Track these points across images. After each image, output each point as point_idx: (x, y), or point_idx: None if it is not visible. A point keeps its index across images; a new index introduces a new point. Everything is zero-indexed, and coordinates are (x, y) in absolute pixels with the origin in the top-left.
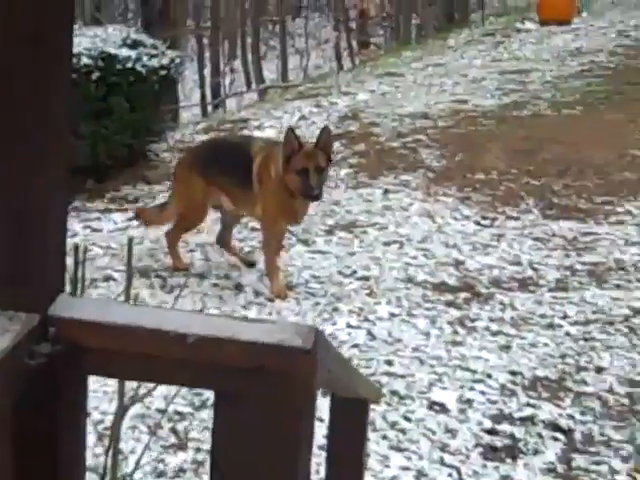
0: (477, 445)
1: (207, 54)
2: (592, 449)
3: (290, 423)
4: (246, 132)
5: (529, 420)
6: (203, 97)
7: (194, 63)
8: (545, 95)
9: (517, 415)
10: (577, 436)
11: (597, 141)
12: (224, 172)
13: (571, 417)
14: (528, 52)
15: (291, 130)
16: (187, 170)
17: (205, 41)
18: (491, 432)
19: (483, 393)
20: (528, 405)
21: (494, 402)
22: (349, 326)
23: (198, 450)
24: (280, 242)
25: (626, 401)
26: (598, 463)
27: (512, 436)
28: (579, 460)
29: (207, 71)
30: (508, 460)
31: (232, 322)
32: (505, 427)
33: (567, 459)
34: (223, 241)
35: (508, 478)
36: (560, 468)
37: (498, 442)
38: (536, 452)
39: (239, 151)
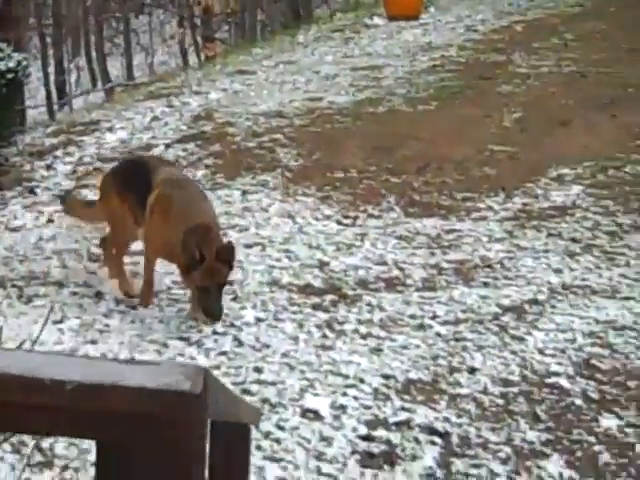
0: (354, 452)
1: (51, 52)
2: (470, 452)
3: (180, 470)
4: (102, 137)
5: (405, 424)
6: (49, 96)
7: (37, 61)
8: (399, 91)
9: (392, 420)
10: (454, 439)
11: (455, 136)
12: (132, 191)
13: (447, 420)
14: (379, 48)
15: (190, 235)
16: (105, 187)
17: (48, 39)
18: (367, 438)
19: (356, 398)
20: (403, 409)
21: (368, 407)
22: (215, 333)
23: (65, 468)
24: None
25: (501, 401)
26: (477, 466)
27: (389, 442)
28: (458, 464)
29: (51, 69)
30: (386, 467)
31: (115, 366)
32: (381, 433)
33: (446, 463)
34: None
35: None
36: (439, 473)
37: (375, 448)
38: (414, 457)
39: (145, 176)
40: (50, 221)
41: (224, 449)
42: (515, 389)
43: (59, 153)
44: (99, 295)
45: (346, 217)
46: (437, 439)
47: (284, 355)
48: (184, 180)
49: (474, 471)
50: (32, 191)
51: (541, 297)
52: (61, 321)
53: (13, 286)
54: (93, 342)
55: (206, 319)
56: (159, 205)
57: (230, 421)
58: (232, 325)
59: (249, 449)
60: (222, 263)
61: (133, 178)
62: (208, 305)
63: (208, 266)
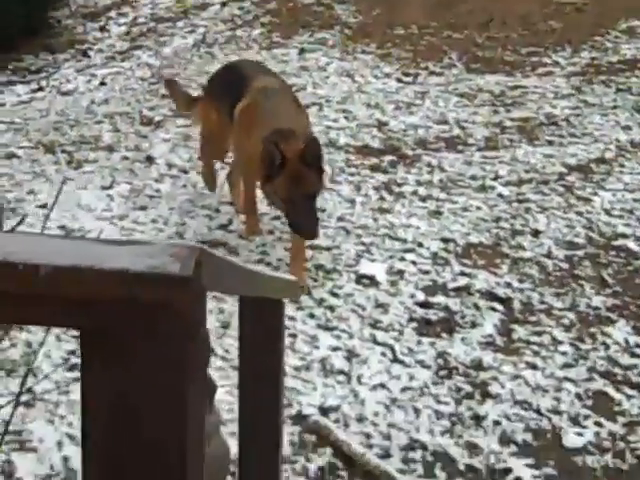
0: (410, 320)
1: None
2: (532, 318)
3: (173, 362)
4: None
5: (464, 290)
6: None
7: None
8: None
9: (451, 285)
10: (516, 305)
11: None
12: (224, 99)
13: (509, 285)
14: None
15: (269, 138)
16: (204, 96)
17: None
18: (425, 305)
19: (414, 263)
20: (463, 274)
21: (426, 272)
22: None
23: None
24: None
25: (565, 265)
26: (539, 333)
27: (447, 308)
28: (519, 331)
29: None
30: (444, 335)
31: (98, 246)
32: (439, 299)
33: (507, 330)
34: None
35: (445, 354)
36: (499, 341)
37: (433, 316)
38: (473, 324)
39: (239, 83)
40: (103, 84)
41: (253, 325)
42: (580, 252)
43: (113, 14)
44: (150, 159)
45: (406, 75)
46: (498, 305)
47: (340, 219)
48: (277, 90)
49: (536, 338)
50: (85, 54)
51: (609, 155)
52: (110, 187)
53: (63, 151)
54: (143, 208)
55: (299, 235)
56: (243, 115)
57: (258, 297)
58: None
59: (281, 325)
60: (309, 167)
61: (226, 85)
62: (297, 220)
63: (292, 171)
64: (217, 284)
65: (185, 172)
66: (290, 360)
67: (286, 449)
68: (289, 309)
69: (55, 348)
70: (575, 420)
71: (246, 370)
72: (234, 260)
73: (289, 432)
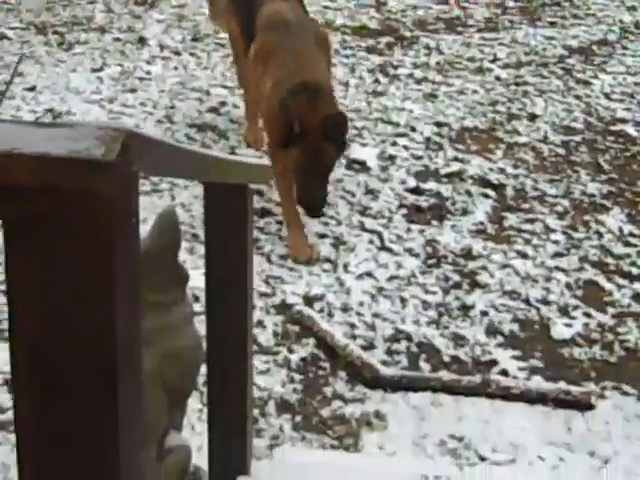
0: (400, 206)
1: None
2: (525, 206)
3: (100, 251)
4: None
5: (457, 176)
6: None
7: None
8: None
9: (444, 171)
10: (509, 192)
11: None
12: (243, 15)
13: (502, 171)
14: None
15: (291, 97)
16: (227, 6)
17: None
18: (416, 191)
19: (407, 148)
20: (456, 160)
21: (419, 158)
22: None
23: None
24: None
25: (561, 151)
26: (531, 221)
27: (438, 195)
28: (511, 219)
29: None
30: (434, 222)
31: (18, 129)
32: (431, 185)
33: (498, 218)
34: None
35: (434, 242)
36: (490, 229)
37: (423, 202)
38: (465, 212)
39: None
40: None
41: (218, 210)
42: (577, 137)
43: None
44: (142, 41)
45: None
46: (490, 192)
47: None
48: (290, 22)
49: (528, 226)
50: None
51: (611, 37)
52: (101, 69)
53: (54, 32)
54: (132, 90)
55: (303, 210)
56: (257, 56)
57: (222, 182)
58: None
59: (247, 210)
60: (329, 141)
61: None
62: (305, 195)
63: (311, 143)
64: (153, 168)
65: (177, 54)
66: (277, 249)
67: (269, 340)
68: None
69: None
70: (564, 311)
71: (213, 257)
72: (172, 142)
73: (272, 322)
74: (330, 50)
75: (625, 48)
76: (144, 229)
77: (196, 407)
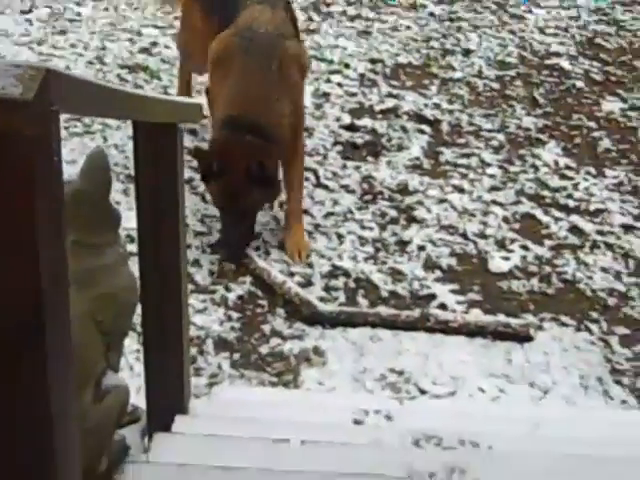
0: (336, 144)
1: None
2: (461, 141)
3: (20, 194)
4: None
5: (392, 112)
6: None
7: None
8: None
9: (378, 108)
10: (444, 127)
11: None
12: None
13: (437, 106)
14: None
15: (221, 129)
16: None
17: None
18: (351, 128)
19: (341, 85)
20: (390, 96)
21: (353, 95)
22: None
23: None
24: None
25: (496, 85)
26: (467, 156)
27: (374, 131)
28: (447, 154)
29: None
30: (370, 158)
31: None
32: (366, 121)
33: (434, 153)
34: None
35: (370, 178)
36: (427, 164)
37: (358, 139)
38: (400, 148)
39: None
40: None
41: (148, 149)
42: (512, 72)
43: None
44: None
45: None
46: (426, 127)
47: None
48: (264, 37)
49: (464, 161)
50: None
51: None
52: (30, 11)
53: None
54: (62, 32)
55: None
56: (221, 56)
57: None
58: None
59: (177, 148)
60: (254, 183)
61: None
62: (220, 235)
63: (228, 184)
64: (76, 107)
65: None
66: None
67: (205, 278)
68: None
69: None
70: (501, 244)
71: (144, 197)
72: (97, 80)
73: (208, 261)
74: (299, 75)
75: None
76: (75, 171)
77: (134, 348)
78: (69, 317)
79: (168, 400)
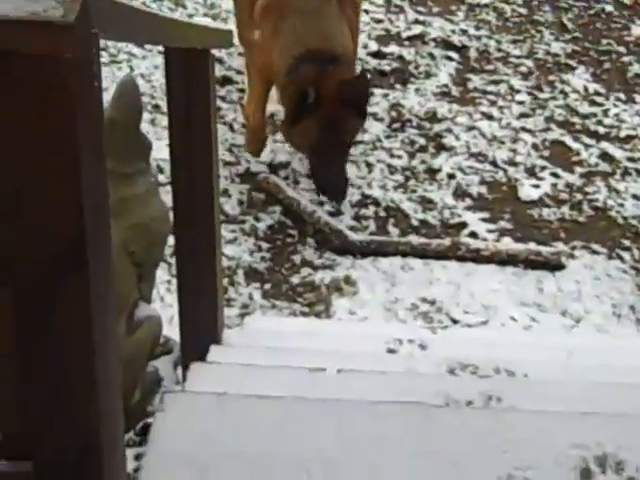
0: (363, 71)
1: None
2: (489, 67)
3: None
4: None
5: (419, 39)
6: None
7: None
8: None
9: (405, 34)
10: (472, 54)
11: None
12: None
13: (465, 32)
14: None
15: (302, 64)
16: None
17: None
18: (378, 55)
19: (367, 12)
20: (417, 22)
21: (379, 21)
22: None
23: None
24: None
25: (524, 10)
26: (496, 82)
27: (401, 58)
28: (475, 80)
29: None
30: (398, 86)
31: None
32: (393, 48)
33: (462, 80)
34: None
35: (398, 106)
36: (455, 91)
37: (386, 66)
38: (428, 75)
39: None
40: None
41: (180, 75)
42: None
43: None
44: None
45: None
46: (453, 54)
47: None
48: None
49: (492, 88)
50: None
51: None
52: None
53: None
54: None
55: (324, 197)
56: (265, 14)
57: (182, 47)
58: None
59: (209, 75)
60: (350, 109)
61: None
62: (323, 177)
63: (327, 114)
64: (113, 31)
65: None
66: (239, 117)
67: (234, 208)
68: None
69: None
70: (531, 171)
71: (176, 125)
72: (135, 5)
73: (237, 191)
74: (357, 9)
75: None
76: (105, 99)
77: (165, 279)
78: (110, 247)
79: (202, 330)
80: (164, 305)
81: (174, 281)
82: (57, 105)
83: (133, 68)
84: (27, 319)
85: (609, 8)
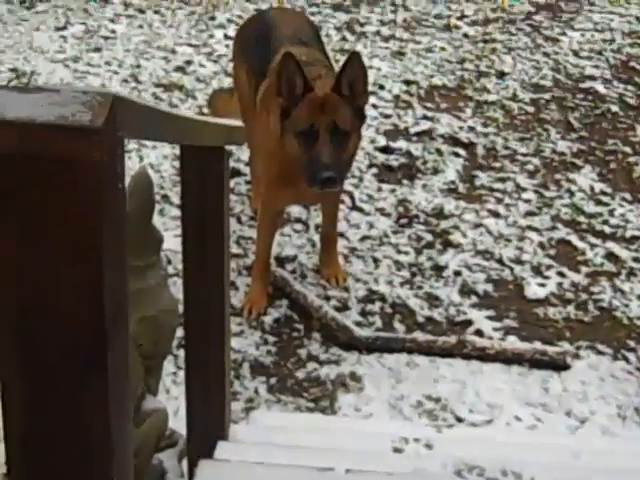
0: (371, 166)
1: None
2: (496, 164)
3: (87, 222)
4: None
5: (427, 135)
6: None
7: None
8: None
9: (413, 130)
10: (479, 151)
11: None
12: (254, 59)
13: (472, 129)
14: None
15: (290, 56)
16: (234, 51)
17: None
18: (386, 150)
19: (375, 107)
20: (425, 118)
21: (388, 116)
22: (227, 37)
23: None
24: (273, 221)
25: (531, 109)
26: (503, 180)
27: (409, 154)
28: (482, 178)
29: None
30: (405, 181)
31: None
32: (401, 144)
33: (469, 177)
34: None
35: (405, 202)
36: (462, 188)
37: (394, 161)
38: (435, 171)
39: (266, 41)
40: None
41: (196, 172)
42: (547, 95)
43: None
44: None
45: None
46: (461, 150)
47: None
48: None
49: (499, 185)
50: None
51: None
52: (64, 27)
53: None
54: (97, 49)
55: (311, 185)
56: (264, 98)
57: (197, 145)
58: None
59: (224, 172)
60: (342, 96)
61: (254, 41)
62: (312, 160)
63: (315, 95)
64: (136, 132)
65: (142, 12)
66: (247, 210)
67: (241, 302)
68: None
69: None
70: (537, 270)
71: (189, 220)
72: (155, 105)
73: (245, 284)
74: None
75: (592, 4)
76: None
77: (171, 370)
78: (127, 348)
79: (209, 425)
80: (169, 397)
81: (180, 373)
82: (84, 207)
83: (142, 158)
84: (44, 413)
85: (615, 108)
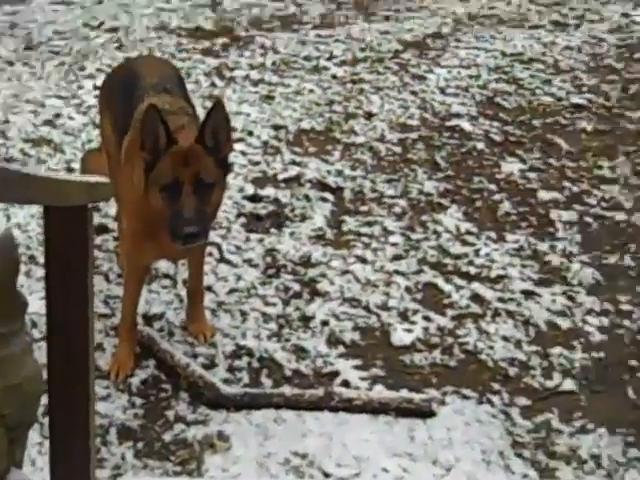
0: (239, 215)
1: None
2: (363, 208)
3: None
4: None
5: (295, 181)
6: None
7: None
8: None
9: (282, 176)
10: (347, 195)
11: None
12: (116, 110)
13: (340, 173)
14: None
15: (153, 108)
16: (100, 102)
17: None
18: (254, 199)
19: (244, 154)
20: (293, 163)
21: (256, 163)
22: (96, 88)
23: None
24: (140, 276)
25: (398, 149)
26: (370, 224)
27: (277, 201)
28: (350, 222)
29: None
30: (273, 230)
31: None
32: (269, 191)
33: (337, 222)
34: None
35: (273, 251)
36: (330, 234)
37: (262, 210)
38: (303, 218)
39: (129, 93)
40: None
41: (59, 233)
42: (414, 135)
43: None
44: None
45: None
46: (329, 195)
47: None
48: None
49: (366, 229)
50: None
51: (445, 30)
52: None
53: None
54: None
55: (175, 240)
56: (128, 152)
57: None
58: None
59: (87, 230)
60: (206, 147)
61: (120, 90)
62: (175, 214)
63: (179, 148)
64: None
65: (10, 64)
66: (115, 267)
67: (108, 364)
68: None
69: None
70: (404, 316)
71: (53, 282)
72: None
73: (112, 345)
74: None
75: (458, 40)
76: None
77: (36, 440)
78: None
79: None
80: (35, 469)
81: (46, 443)
82: None
83: (9, 217)
84: None
85: (480, 145)
